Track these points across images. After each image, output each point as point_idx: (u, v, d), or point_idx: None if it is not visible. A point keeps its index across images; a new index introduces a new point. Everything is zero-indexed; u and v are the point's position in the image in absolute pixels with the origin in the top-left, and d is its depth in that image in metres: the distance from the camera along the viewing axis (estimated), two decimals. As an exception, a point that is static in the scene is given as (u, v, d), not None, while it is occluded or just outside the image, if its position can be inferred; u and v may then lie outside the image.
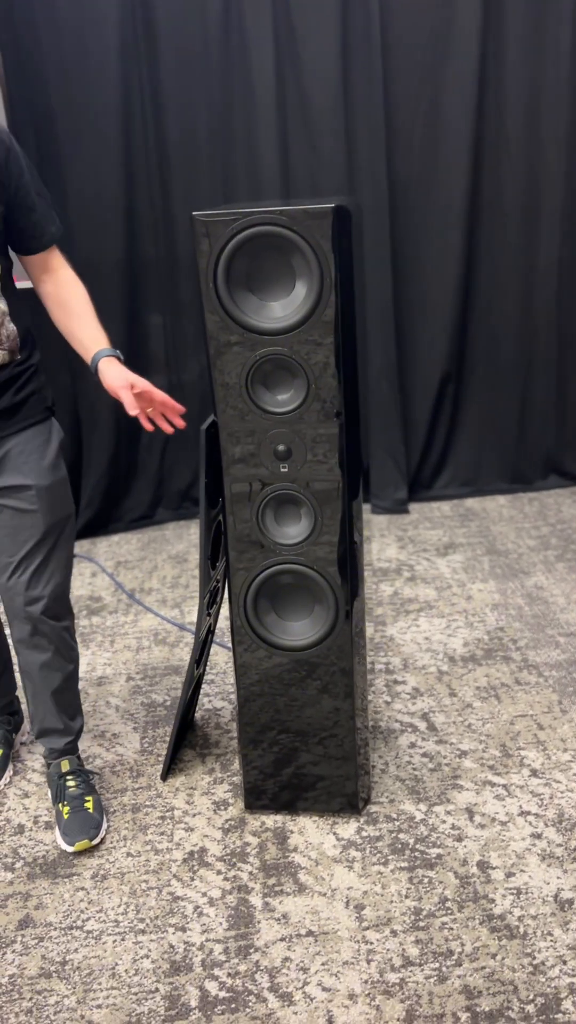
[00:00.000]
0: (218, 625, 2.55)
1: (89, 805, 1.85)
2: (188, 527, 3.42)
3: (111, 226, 3.13)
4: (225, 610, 2.55)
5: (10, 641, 1.90)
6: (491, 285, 3.33)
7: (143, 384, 1.67)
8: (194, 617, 2.71)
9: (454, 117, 3.14)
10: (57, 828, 1.84)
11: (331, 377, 1.58)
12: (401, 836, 1.78)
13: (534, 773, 1.93)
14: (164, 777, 2.00)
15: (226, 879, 1.71)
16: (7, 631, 1.98)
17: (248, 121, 3.12)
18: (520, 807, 1.83)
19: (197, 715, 2.22)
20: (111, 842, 1.82)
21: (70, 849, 1.79)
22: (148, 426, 1.71)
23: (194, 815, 1.88)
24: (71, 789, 1.86)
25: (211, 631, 2.06)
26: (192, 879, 1.71)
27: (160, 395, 1.69)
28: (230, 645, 2.51)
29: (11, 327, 1.67)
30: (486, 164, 3.21)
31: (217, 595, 1.98)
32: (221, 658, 2.46)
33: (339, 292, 1.52)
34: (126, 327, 3.25)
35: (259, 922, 1.61)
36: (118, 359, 1.70)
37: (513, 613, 2.61)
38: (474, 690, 2.24)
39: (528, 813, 1.81)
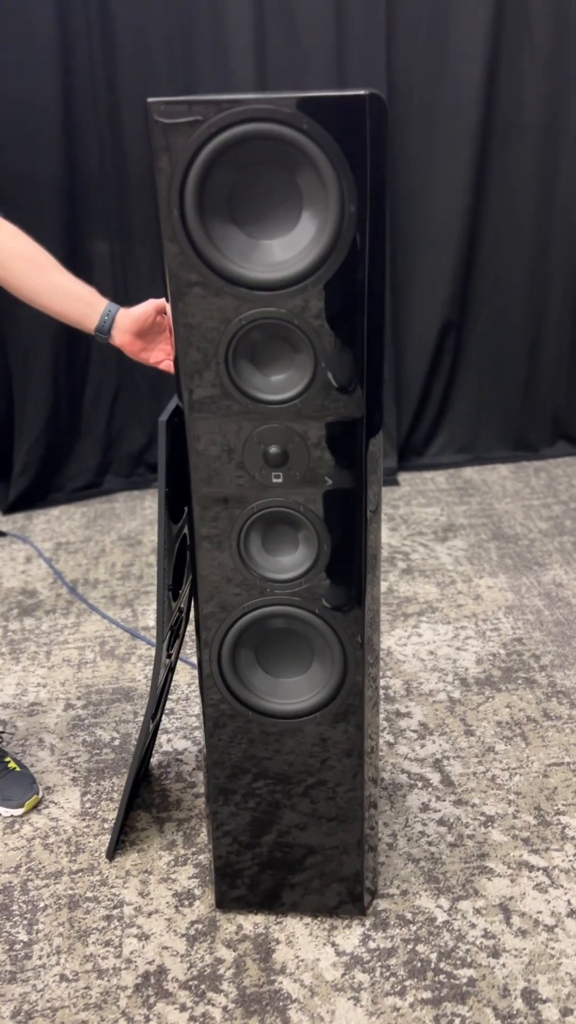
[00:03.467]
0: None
1: (12, 764, 1.70)
2: (142, 499, 2.92)
3: (45, 134, 2.54)
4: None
5: None
6: (501, 220, 2.83)
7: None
8: (148, 621, 2.25)
9: (468, 13, 2.59)
10: None
11: (349, 353, 1.09)
12: (420, 949, 1.37)
13: (581, 851, 1.53)
14: (111, 855, 1.56)
15: (193, 1018, 1.29)
16: None
17: (215, 7, 2.53)
18: (569, 903, 1.44)
19: (154, 760, 1.78)
20: (39, 957, 1.38)
21: (19, 812, 1.64)
22: None
23: (150, 914, 1.45)
24: None
25: (169, 675, 1.60)
26: (148, 1018, 1.29)
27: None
28: (194, 661, 2.06)
29: None
30: (503, 72, 2.68)
31: (180, 627, 1.52)
32: (183, 679, 2.01)
33: (368, 227, 1.03)
34: (65, 257, 2.67)
35: None
36: None
37: (531, 619, 2.19)
38: (495, 727, 1.83)
39: (580, 912, 1.42)
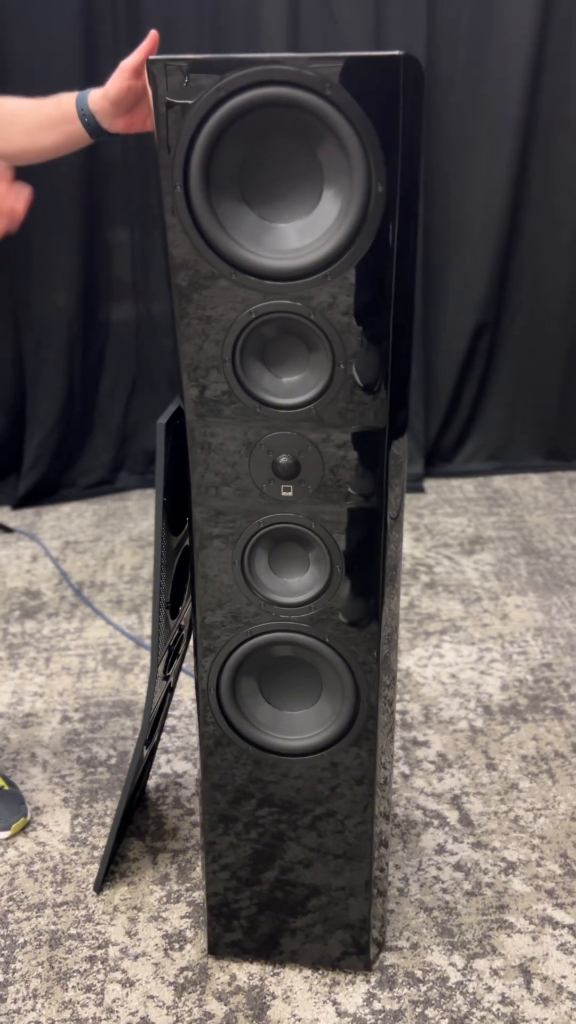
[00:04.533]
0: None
1: (1, 782, 1.59)
2: (156, 497, 2.81)
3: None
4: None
5: None
6: (542, 219, 2.68)
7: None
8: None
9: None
10: None
11: (373, 354, 0.97)
12: (430, 1013, 1.24)
13: (611, 907, 1.39)
14: (99, 888, 1.44)
15: None
16: None
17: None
18: (596, 968, 1.30)
19: (151, 782, 1.66)
20: (14, 1000, 1.27)
21: (5, 835, 1.53)
22: None
23: (136, 957, 1.33)
24: None
25: (168, 695, 1.48)
26: (126, 1079, 1.17)
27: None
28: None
29: None
30: (549, 59, 2.52)
31: (179, 646, 1.40)
32: (188, 693, 1.89)
33: (398, 210, 0.90)
34: (83, 245, 2.58)
35: None
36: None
37: (562, 643, 2.05)
38: (519, 761, 1.69)
39: (608, 979, 1.28)
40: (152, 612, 1.22)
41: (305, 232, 0.93)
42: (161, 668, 1.28)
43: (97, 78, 2.46)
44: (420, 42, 2.46)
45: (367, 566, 1.08)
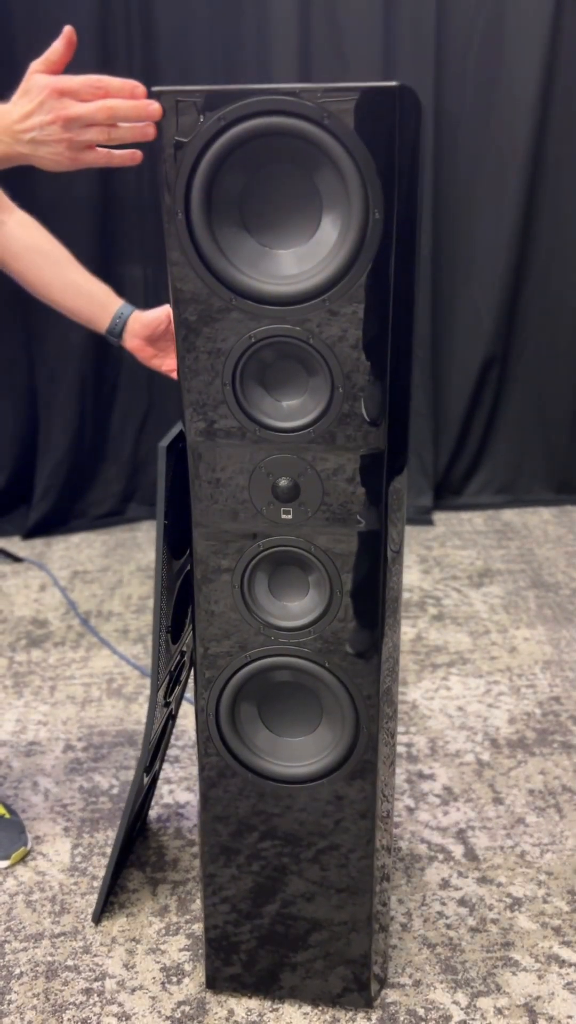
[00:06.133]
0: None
1: (2, 810, 1.57)
2: (165, 528, 2.82)
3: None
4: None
5: None
6: (551, 248, 2.71)
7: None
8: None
9: (523, 32, 2.49)
10: None
11: (371, 379, 0.97)
12: (432, 1053, 1.21)
13: (619, 946, 1.36)
14: (97, 919, 1.43)
15: None
16: None
17: (259, 10, 2.47)
18: (604, 1008, 1.27)
19: (152, 812, 1.65)
20: (9, 1033, 1.25)
21: (5, 864, 1.51)
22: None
23: (133, 990, 1.31)
24: None
25: (170, 723, 1.47)
26: None
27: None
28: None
29: None
30: (557, 95, 2.57)
31: (181, 673, 1.40)
32: (190, 722, 1.88)
33: (397, 235, 0.91)
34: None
35: None
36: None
37: (571, 676, 2.03)
38: (526, 796, 1.67)
39: (616, 1021, 1.25)
40: (152, 637, 1.22)
41: (304, 258, 0.94)
42: (161, 694, 1.27)
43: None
44: (428, 79, 2.50)
45: (367, 590, 1.08)
